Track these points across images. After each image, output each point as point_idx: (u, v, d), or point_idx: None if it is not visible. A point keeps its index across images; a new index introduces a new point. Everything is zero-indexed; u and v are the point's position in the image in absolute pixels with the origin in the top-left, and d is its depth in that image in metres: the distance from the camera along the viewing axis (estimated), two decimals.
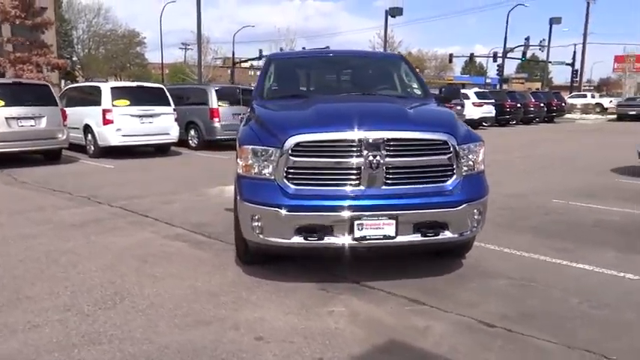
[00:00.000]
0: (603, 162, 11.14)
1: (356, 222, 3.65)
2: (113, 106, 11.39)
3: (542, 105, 28.31)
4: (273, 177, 3.78)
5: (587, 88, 61.78)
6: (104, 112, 11.34)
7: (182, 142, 13.25)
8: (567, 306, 3.65)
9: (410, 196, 3.75)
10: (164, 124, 12.10)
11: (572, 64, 48.31)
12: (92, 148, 11.82)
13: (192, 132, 13.77)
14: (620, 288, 4.00)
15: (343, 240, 3.71)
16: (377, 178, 3.70)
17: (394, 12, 29.75)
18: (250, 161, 3.88)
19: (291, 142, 3.67)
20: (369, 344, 3.10)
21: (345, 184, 3.71)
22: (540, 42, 50.11)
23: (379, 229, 3.69)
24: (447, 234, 3.82)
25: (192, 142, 13.86)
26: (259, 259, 4.36)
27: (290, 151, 3.68)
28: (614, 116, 33.40)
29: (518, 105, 26.35)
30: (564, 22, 41.22)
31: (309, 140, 3.66)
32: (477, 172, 3.99)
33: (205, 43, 44.42)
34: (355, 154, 3.66)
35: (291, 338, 3.16)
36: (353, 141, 3.65)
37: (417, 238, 3.77)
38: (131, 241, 5.18)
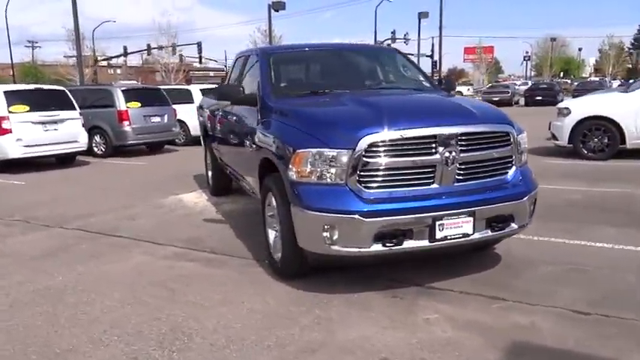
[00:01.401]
0: None
1: (437, 222, 3.49)
2: (10, 112, 9.84)
3: None
4: (342, 181, 3.47)
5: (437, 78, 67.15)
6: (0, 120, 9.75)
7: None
8: (630, 284, 3.83)
9: (481, 191, 3.68)
10: (71, 130, 10.75)
11: (432, 56, 52.05)
12: None
13: (97, 138, 12.42)
14: None
15: (423, 242, 3.53)
16: (450, 174, 3.57)
17: (277, 6, 29.61)
18: (311, 166, 3.52)
19: (366, 142, 3.39)
20: (497, 349, 2.97)
21: (420, 184, 3.54)
22: (405, 35, 53.39)
23: (458, 227, 3.57)
24: (513, 226, 3.82)
25: (99, 150, 12.52)
26: (302, 273, 4.01)
27: (364, 152, 3.40)
28: None
29: None
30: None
31: (385, 139, 3.41)
32: (525, 163, 4.04)
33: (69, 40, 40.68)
34: (432, 151, 3.49)
35: (419, 354, 2.93)
36: (430, 137, 3.48)
37: (488, 233, 3.72)
38: (129, 267, 4.49)
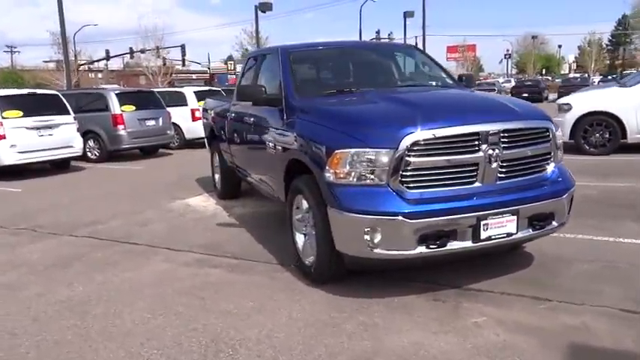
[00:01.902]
0: None
1: (482, 222, 3.39)
2: (3, 118, 9.54)
3: None
4: (384, 182, 3.35)
5: None
6: None
7: None
8: None
9: (523, 189, 3.59)
10: (66, 135, 10.46)
11: None
12: None
13: (91, 142, 12.13)
14: None
15: (467, 243, 3.43)
16: (493, 172, 3.48)
17: (264, 7, 29.35)
18: (350, 166, 3.39)
19: (409, 140, 3.27)
20: (556, 351, 2.88)
21: (463, 183, 3.43)
22: (389, 35, 53.55)
23: (502, 226, 3.47)
24: (554, 224, 3.74)
25: (93, 154, 12.22)
26: (337, 278, 3.88)
27: (407, 151, 3.28)
28: None
29: None
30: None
31: (428, 137, 3.30)
32: (561, 159, 3.97)
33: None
34: (475, 148, 3.39)
35: None
36: (473, 135, 3.38)
37: (529, 232, 3.63)
38: (150, 275, 4.32)
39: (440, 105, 3.86)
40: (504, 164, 3.50)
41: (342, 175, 3.44)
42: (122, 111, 11.98)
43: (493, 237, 3.45)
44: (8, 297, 3.98)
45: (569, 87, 34.76)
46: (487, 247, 3.53)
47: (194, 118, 14.33)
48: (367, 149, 3.35)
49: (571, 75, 60.29)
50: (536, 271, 4.04)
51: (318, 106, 4.11)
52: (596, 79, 47.03)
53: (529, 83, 38.03)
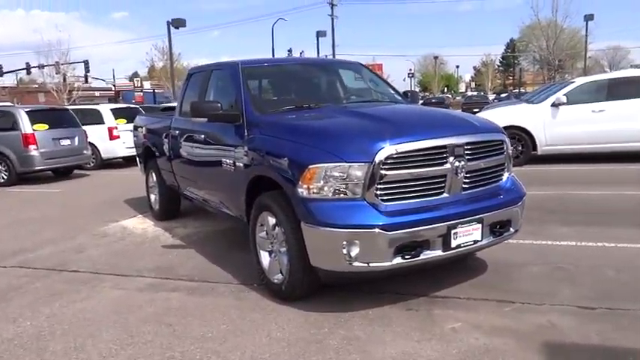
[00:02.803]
0: None
1: (452, 231, 3.53)
2: None
3: None
4: (359, 195, 3.39)
5: None
6: None
7: None
8: (612, 278, 4.12)
9: (485, 198, 3.79)
10: None
11: None
12: None
13: None
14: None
15: (438, 252, 3.55)
16: (458, 183, 3.64)
17: (177, 23, 28.69)
18: (324, 181, 3.41)
19: (383, 154, 3.35)
20: (536, 351, 3.04)
21: (432, 194, 3.56)
22: (300, 54, 54.39)
23: (469, 234, 3.63)
24: (511, 230, 3.97)
25: (0, 177, 11.21)
26: (309, 294, 3.85)
27: (381, 165, 3.36)
28: None
29: None
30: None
31: (402, 150, 3.39)
32: (511, 169, 4.23)
33: None
34: (443, 161, 3.54)
35: None
36: (442, 148, 3.52)
37: (491, 238, 3.83)
38: (104, 304, 4.03)
39: (408, 119, 3.99)
40: (468, 175, 3.68)
41: (315, 190, 3.44)
42: (34, 130, 11.12)
43: (462, 245, 3.60)
44: None
45: (471, 104, 37.30)
46: (455, 255, 3.67)
47: (111, 137, 13.68)
48: (342, 163, 3.37)
49: (469, 93, 64.52)
50: (494, 276, 4.25)
51: (284, 122, 4.09)
52: (491, 97, 50.70)
53: (435, 101, 40.29)
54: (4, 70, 44.93)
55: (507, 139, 3.99)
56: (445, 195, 3.60)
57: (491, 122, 4.20)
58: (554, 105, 10.28)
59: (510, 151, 4.12)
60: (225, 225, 6.27)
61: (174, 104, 14.52)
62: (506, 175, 4.02)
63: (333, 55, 53.48)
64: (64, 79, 47.38)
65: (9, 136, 11.11)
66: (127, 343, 3.34)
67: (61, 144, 11.67)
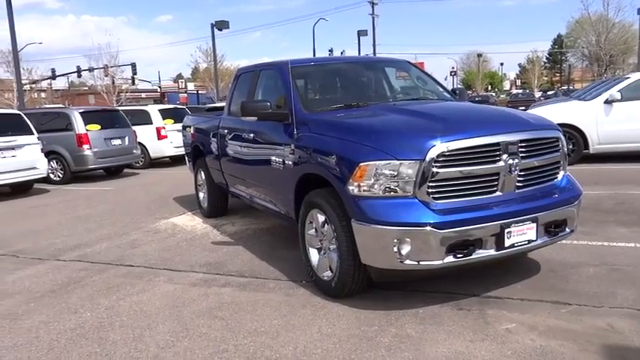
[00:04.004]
0: None
1: (506, 230, 3.46)
2: None
3: None
4: (410, 193, 3.38)
5: None
6: None
7: None
8: None
9: (540, 197, 3.71)
10: (30, 157, 9.99)
11: None
12: None
13: (53, 164, 11.60)
14: None
15: (491, 251, 3.49)
16: (512, 182, 3.57)
17: (221, 25, 29.22)
18: (375, 179, 3.41)
19: (435, 151, 3.32)
20: (596, 354, 2.95)
21: (485, 192, 3.51)
22: (341, 53, 54.41)
23: (523, 234, 3.55)
24: (567, 230, 3.86)
25: (56, 176, 11.70)
26: (358, 292, 3.86)
27: (433, 162, 3.33)
28: None
29: None
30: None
31: (454, 148, 3.36)
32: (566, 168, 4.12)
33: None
34: (497, 158, 3.48)
35: None
36: (495, 145, 3.46)
37: (546, 238, 3.74)
38: (159, 298, 4.16)
39: (460, 117, 3.95)
40: (522, 173, 3.60)
41: (366, 188, 3.45)
42: (87, 130, 11.57)
43: (516, 244, 3.53)
44: (12, 327, 3.73)
45: (516, 102, 36.41)
46: (508, 254, 3.61)
47: (159, 137, 14.04)
48: (393, 161, 3.37)
49: (513, 91, 62.92)
50: (548, 277, 4.15)
51: (333, 120, 4.11)
52: (537, 94, 49.34)
53: (479, 99, 39.50)
54: (57, 73, 46.97)
55: (563, 137, 3.89)
56: (498, 193, 3.54)
57: (546, 119, 4.10)
58: (608, 102, 9.92)
59: (566, 149, 4.01)
60: (272, 222, 6.36)
61: (218, 105, 14.86)
62: (561, 174, 3.92)
63: (374, 54, 53.31)
64: (113, 82, 48.93)
65: (64, 136, 11.59)
66: (182, 335, 3.44)
67: (112, 144, 12.08)
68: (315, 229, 4.07)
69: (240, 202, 6.60)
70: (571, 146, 10.22)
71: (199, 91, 51.22)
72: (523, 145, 3.58)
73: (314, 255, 4.12)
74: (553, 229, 3.75)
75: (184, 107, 16.61)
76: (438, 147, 3.33)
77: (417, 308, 3.66)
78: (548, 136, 3.78)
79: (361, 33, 40.72)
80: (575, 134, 10.17)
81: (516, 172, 3.55)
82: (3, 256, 5.65)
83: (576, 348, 3.02)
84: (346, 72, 5.24)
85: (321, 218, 3.93)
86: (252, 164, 5.21)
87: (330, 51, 51.71)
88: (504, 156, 3.49)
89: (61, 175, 11.74)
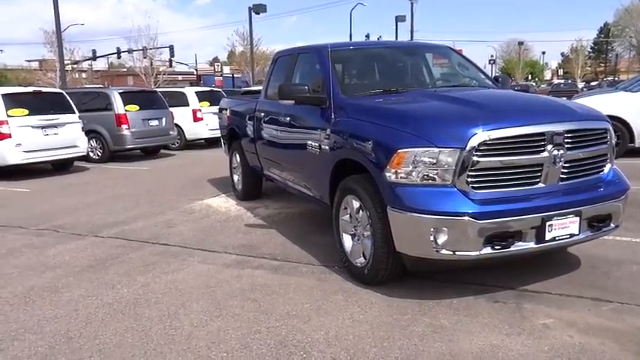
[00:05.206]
0: None
1: (547, 223, 3.36)
2: (9, 116, 9.31)
3: None
4: (449, 181, 3.30)
5: None
6: None
7: None
8: None
9: (584, 190, 3.58)
10: (71, 135, 10.25)
11: None
12: None
13: (93, 142, 11.88)
14: None
15: (530, 244, 3.39)
16: (555, 173, 3.45)
17: (258, 8, 29.20)
18: (414, 166, 3.34)
19: (476, 140, 3.23)
20: (636, 354, 2.85)
21: (527, 183, 3.41)
22: (378, 39, 53.77)
23: (565, 227, 3.44)
24: (611, 226, 3.73)
25: (95, 155, 11.99)
26: (392, 279, 3.82)
27: (474, 151, 3.24)
28: None
29: None
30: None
31: (496, 137, 3.26)
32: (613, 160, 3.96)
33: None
34: (541, 149, 3.36)
35: None
36: (539, 135, 3.35)
37: (589, 233, 3.62)
38: (194, 277, 4.21)
39: (503, 105, 3.83)
40: (567, 165, 3.48)
41: (403, 175, 3.39)
42: (126, 110, 11.79)
43: (557, 238, 3.42)
44: (52, 299, 3.85)
45: (558, 92, 35.28)
46: (549, 248, 3.51)
47: (195, 119, 14.19)
48: (433, 148, 3.29)
49: (555, 81, 61.10)
50: (588, 273, 4.02)
51: (372, 105, 4.05)
52: (580, 85, 47.79)
53: (518, 89, 38.48)
54: (97, 54, 47.92)
55: (611, 128, 3.73)
56: (541, 185, 3.43)
57: (594, 109, 3.95)
58: None
59: (614, 141, 3.85)
60: (306, 207, 6.36)
61: (254, 88, 14.88)
62: (608, 167, 3.77)
63: (412, 40, 52.48)
64: (151, 63, 49.68)
65: (103, 116, 11.83)
66: (215, 315, 3.48)
67: (150, 124, 12.29)
68: (350, 215, 4.05)
69: (274, 186, 6.62)
70: (616, 139, 9.86)
71: (235, 75, 51.51)
72: (569, 135, 3.45)
73: (347, 241, 4.10)
74: (596, 224, 3.63)
75: (220, 90, 16.72)
76: (480, 135, 3.24)
77: (451, 299, 3.61)
78: (596, 127, 3.64)
79: (399, 18, 40.03)
80: (620, 126, 9.78)
81: (561, 164, 3.43)
82: (45, 230, 5.82)
83: (617, 347, 2.92)
84: (386, 57, 5.15)
85: (356, 204, 3.89)
86: (288, 148, 5.20)
87: (366, 37, 51.16)
88: (549, 146, 3.37)
89: (100, 154, 12.03)
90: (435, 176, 3.32)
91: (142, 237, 5.42)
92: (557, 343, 2.97)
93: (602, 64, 72.22)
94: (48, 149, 9.82)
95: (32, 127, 9.59)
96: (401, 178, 3.40)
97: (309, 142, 4.55)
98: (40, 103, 9.97)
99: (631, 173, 7.92)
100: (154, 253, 4.87)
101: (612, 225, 3.73)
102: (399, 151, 3.38)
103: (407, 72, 5.04)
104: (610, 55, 66.48)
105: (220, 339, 3.14)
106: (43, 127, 9.76)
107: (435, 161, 3.30)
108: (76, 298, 3.83)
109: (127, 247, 5.11)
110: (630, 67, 59.42)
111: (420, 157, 3.32)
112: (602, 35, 70.93)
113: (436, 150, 3.29)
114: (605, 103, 10.20)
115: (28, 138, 9.49)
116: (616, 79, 46.46)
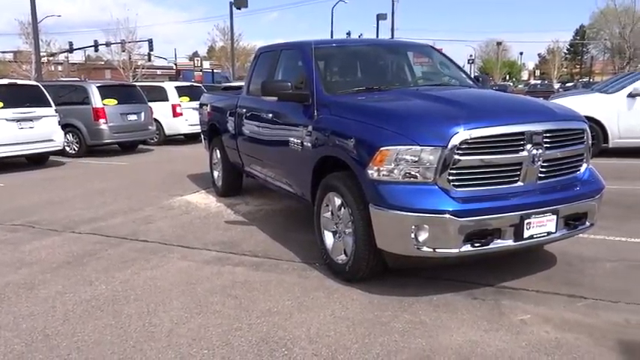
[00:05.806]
0: None
1: (525, 221, 3.42)
2: None
3: None
4: (431, 179, 3.33)
5: None
6: None
7: None
8: None
9: (561, 189, 3.65)
10: (47, 129, 10.05)
11: None
12: None
13: (69, 136, 11.66)
14: None
15: (509, 242, 3.45)
16: (534, 172, 3.51)
17: (239, 3, 28.96)
18: (396, 164, 3.37)
19: (458, 138, 3.27)
20: (611, 350, 2.91)
21: (506, 182, 3.46)
22: (359, 37, 53.90)
23: (543, 226, 3.51)
24: (587, 224, 3.81)
25: (71, 149, 11.77)
26: (372, 277, 3.84)
27: (456, 149, 3.28)
28: None
29: None
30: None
31: (478, 136, 3.31)
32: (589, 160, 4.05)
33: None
34: (520, 148, 3.42)
35: (538, 358, 2.84)
36: (519, 134, 3.40)
37: (565, 231, 3.69)
38: (173, 274, 4.17)
39: (484, 104, 3.88)
40: (545, 164, 3.54)
41: (385, 173, 3.41)
42: (104, 104, 11.60)
43: (535, 236, 3.48)
44: (28, 296, 3.78)
45: (534, 93, 35.88)
46: (527, 245, 3.57)
47: (175, 114, 14.06)
48: (415, 147, 3.32)
49: (532, 81, 62.04)
50: (564, 270, 4.10)
51: (354, 103, 4.06)
52: (556, 85, 48.62)
53: (496, 88, 39.00)
54: (75, 46, 47.03)
55: (588, 129, 3.81)
56: (520, 183, 3.49)
57: (572, 110, 4.02)
58: (631, 95, 9.75)
59: (590, 142, 3.93)
60: (286, 204, 6.36)
61: (235, 84, 14.75)
62: (584, 166, 3.86)
63: (392, 38, 52.66)
64: (130, 57, 48.96)
65: (80, 109, 11.64)
66: (196, 312, 3.46)
67: (129, 119, 12.12)
68: (331, 212, 4.06)
69: (254, 183, 6.60)
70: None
71: (214, 70, 51.11)
72: (548, 135, 3.52)
73: (329, 238, 4.11)
74: (573, 222, 3.71)
75: (200, 85, 16.57)
76: (461, 134, 3.28)
77: (431, 296, 3.65)
78: (574, 128, 3.71)
79: (380, 17, 40.16)
80: (595, 127, 9.99)
81: (539, 163, 3.49)
82: (20, 226, 5.71)
83: (591, 342, 2.99)
84: (369, 55, 5.16)
85: (338, 201, 3.91)
86: (270, 144, 5.18)
87: (347, 34, 51.21)
88: (528, 146, 3.42)
89: (76, 149, 11.82)
90: (417, 174, 3.35)
91: (121, 233, 5.35)
92: (534, 339, 3.03)
93: (578, 66, 73.44)
94: (23, 143, 9.62)
95: (7, 120, 9.37)
96: (383, 175, 3.42)
97: (292, 139, 4.55)
98: (15, 96, 9.75)
99: (610, 173, 8.14)
100: (133, 250, 4.82)
101: (588, 223, 3.81)
102: (382, 148, 3.40)
103: (390, 70, 5.08)
104: (585, 57, 67.63)
105: (201, 336, 3.12)
106: (17, 121, 9.55)
107: (417, 159, 3.33)
108: (53, 295, 3.77)
109: (104, 243, 5.04)
110: (604, 69, 60.63)
111: (403, 155, 3.34)
112: (578, 37, 72.17)
113: (418, 148, 3.31)
114: (581, 104, 10.38)
115: (3, 131, 9.28)
116: (591, 80, 47.40)
